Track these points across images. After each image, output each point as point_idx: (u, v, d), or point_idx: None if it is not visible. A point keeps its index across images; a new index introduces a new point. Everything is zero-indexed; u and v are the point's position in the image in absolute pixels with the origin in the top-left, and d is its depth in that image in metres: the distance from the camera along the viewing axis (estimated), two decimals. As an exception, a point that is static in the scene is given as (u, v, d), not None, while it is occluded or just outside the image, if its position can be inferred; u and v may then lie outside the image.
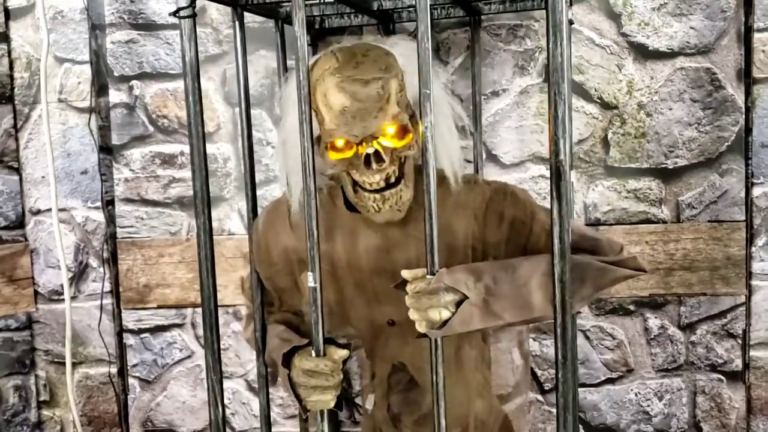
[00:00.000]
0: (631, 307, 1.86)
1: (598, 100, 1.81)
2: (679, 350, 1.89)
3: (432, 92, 1.03)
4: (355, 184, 1.19)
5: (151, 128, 1.87)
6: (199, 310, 1.84)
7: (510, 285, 1.13)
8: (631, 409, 1.90)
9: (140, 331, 1.92)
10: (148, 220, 1.88)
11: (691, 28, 1.80)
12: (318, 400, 1.15)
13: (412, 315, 1.10)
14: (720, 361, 1.86)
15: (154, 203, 1.88)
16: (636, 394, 1.89)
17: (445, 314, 1.09)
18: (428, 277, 1.08)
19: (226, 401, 1.92)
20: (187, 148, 1.85)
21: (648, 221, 1.84)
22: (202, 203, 1.25)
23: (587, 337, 1.88)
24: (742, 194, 1.82)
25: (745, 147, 1.82)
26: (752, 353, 1.87)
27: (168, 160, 1.86)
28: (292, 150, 1.21)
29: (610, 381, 1.89)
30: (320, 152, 1.18)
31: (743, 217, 1.83)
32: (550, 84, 1.01)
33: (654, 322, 1.87)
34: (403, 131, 1.16)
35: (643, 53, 1.80)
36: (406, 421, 1.39)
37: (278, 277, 1.35)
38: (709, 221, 1.84)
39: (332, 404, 1.15)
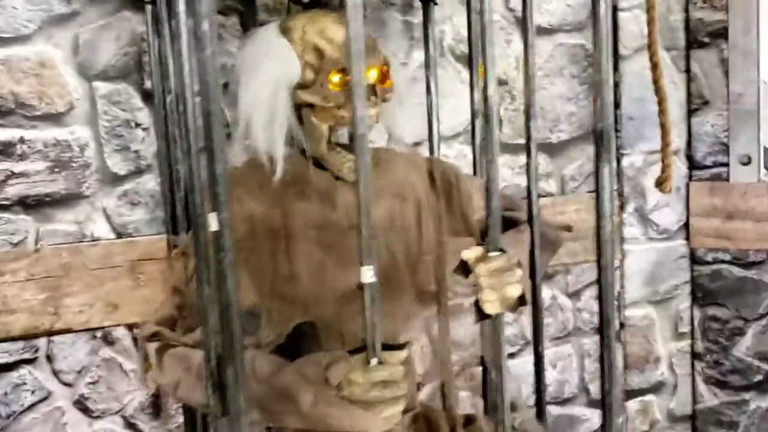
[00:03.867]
0: (524, 282, 1.88)
1: (491, 75, 1.79)
2: (567, 318, 1.96)
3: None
4: (329, 141, 1.21)
5: (-25, 109, 1.42)
6: (57, 339, 1.47)
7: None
8: (529, 381, 1.92)
9: (-28, 375, 1.46)
10: (-22, 230, 1.43)
11: (567, 5, 1.85)
12: (393, 414, 0.99)
13: (488, 296, 1.02)
14: (601, 323, 1.97)
15: (-14, 207, 1.44)
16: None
17: (519, 290, 1.04)
18: (493, 254, 1.01)
19: (97, 447, 1.55)
20: (29, 134, 1.44)
21: (538, 195, 1.87)
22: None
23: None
24: (614, 165, 1.94)
25: (614, 120, 1.93)
26: (626, 313, 2.01)
27: (2, 150, 1.43)
28: (268, 113, 1.14)
29: (511, 356, 1.90)
30: (314, 92, 1.15)
31: (615, 187, 1.95)
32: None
33: (546, 292, 1.91)
34: (384, 77, 1.20)
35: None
36: None
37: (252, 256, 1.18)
38: (588, 192, 1.93)
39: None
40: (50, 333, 1.48)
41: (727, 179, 1.96)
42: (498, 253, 1.01)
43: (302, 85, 1.17)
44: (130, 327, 1.54)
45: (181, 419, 1.60)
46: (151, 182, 1.53)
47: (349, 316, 1.20)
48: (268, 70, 1.13)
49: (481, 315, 1.07)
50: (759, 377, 2.01)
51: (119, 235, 1.52)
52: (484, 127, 0.99)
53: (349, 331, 1.22)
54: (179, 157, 1.41)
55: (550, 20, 1.83)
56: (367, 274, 0.93)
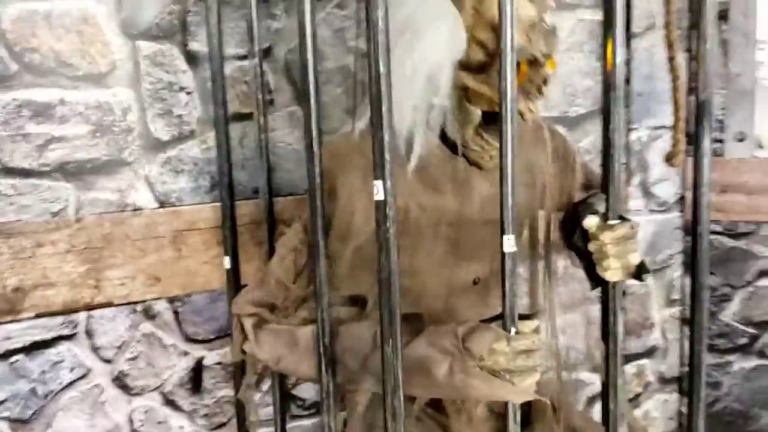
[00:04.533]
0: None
1: (518, 48, 1.81)
2: (575, 288, 2.03)
3: None
4: (479, 126, 1.07)
5: (14, 66, 1.30)
6: (96, 313, 1.40)
7: None
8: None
9: (8, 353, 1.36)
10: (17, 197, 1.33)
11: (588, -19, 1.89)
12: (532, 383, 0.98)
13: (612, 263, 1.05)
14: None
15: (25, 173, 1.33)
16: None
17: (639, 258, 1.07)
18: (615, 222, 1.04)
19: (137, 423, 1.49)
20: (70, 95, 1.34)
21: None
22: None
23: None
24: (623, 139, 2.01)
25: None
26: (627, 281, 2.10)
27: (42, 112, 1.33)
28: (424, 92, 1.01)
29: (527, 325, 1.95)
30: (483, 79, 1.02)
31: (624, 160, 2.02)
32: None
33: (561, 263, 1.97)
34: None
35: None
36: None
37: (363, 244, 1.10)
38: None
39: None
40: (90, 307, 1.40)
41: (722, 155, 2.08)
42: (619, 221, 1.04)
43: (466, 66, 1.04)
44: (171, 300, 1.48)
45: (220, 393, 1.56)
46: (194, 149, 1.47)
47: (459, 309, 1.18)
48: (437, 41, 0.99)
49: (598, 282, 1.09)
50: (744, 340, 2.16)
51: (162, 204, 1.45)
52: (609, 98, 1.01)
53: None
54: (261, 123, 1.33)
55: (572, -4, 1.87)
56: (509, 243, 0.94)
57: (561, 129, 1.87)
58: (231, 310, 1.22)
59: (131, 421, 1.48)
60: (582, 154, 1.95)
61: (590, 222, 1.06)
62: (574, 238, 1.12)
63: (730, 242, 2.12)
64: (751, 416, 2.18)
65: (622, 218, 1.05)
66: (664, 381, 2.25)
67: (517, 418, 0.99)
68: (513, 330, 0.96)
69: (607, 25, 1.04)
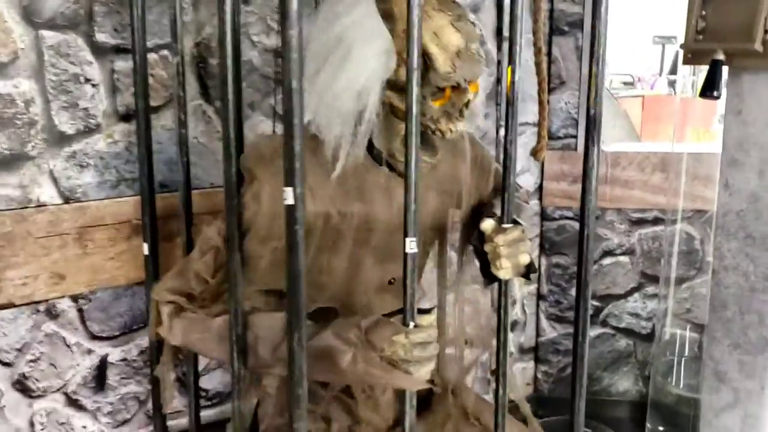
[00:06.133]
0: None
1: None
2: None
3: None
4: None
5: None
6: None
7: None
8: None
9: None
10: None
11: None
12: (427, 372, 1.07)
13: (504, 263, 1.12)
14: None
15: None
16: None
17: (528, 258, 1.15)
18: (508, 225, 1.12)
19: (38, 427, 1.44)
20: (-33, 86, 1.25)
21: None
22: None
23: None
24: (493, 135, 2.19)
25: (496, 96, 2.18)
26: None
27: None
28: (354, 108, 1.06)
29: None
30: (404, 99, 1.04)
31: (492, 153, 2.21)
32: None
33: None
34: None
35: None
36: None
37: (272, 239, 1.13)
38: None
39: None
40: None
41: (575, 149, 2.34)
42: (512, 225, 1.13)
43: (394, 86, 1.08)
44: (76, 298, 1.44)
45: (124, 390, 1.54)
46: (100, 143, 1.43)
47: (374, 305, 1.25)
48: (367, 60, 1.04)
49: (491, 279, 1.20)
50: (590, 312, 2.45)
51: (67, 200, 1.40)
52: (506, 108, 1.10)
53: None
54: (179, 118, 1.33)
55: None
56: (411, 245, 1.02)
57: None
58: (150, 295, 1.22)
59: (32, 425, 1.43)
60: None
61: (486, 225, 1.14)
62: (472, 239, 1.21)
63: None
64: (596, 378, 2.50)
65: (515, 222, 1.14)
66: (522, 351, 2.50)
67: (413, 403, 1.07)
68: (412, 324, 1.03)
69: (510, 47, 1.10)
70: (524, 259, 1.14)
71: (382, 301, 1.28)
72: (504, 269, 1.14)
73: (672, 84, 5.23)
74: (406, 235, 1.03)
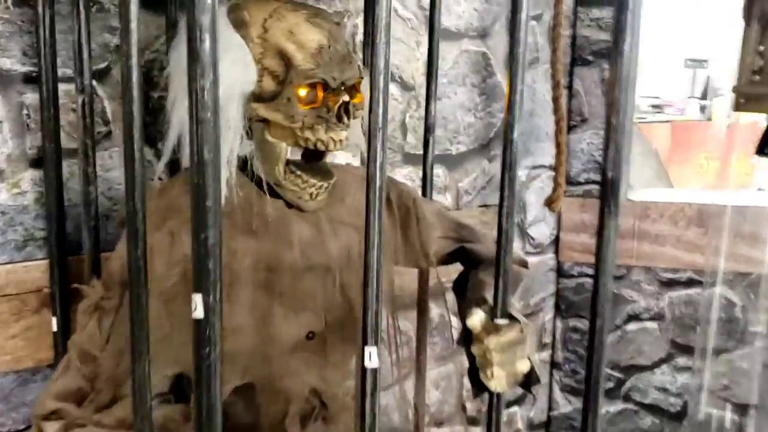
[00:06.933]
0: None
1: (399, 80, 1.62)
2: (452, 335, 1.89)
3: None
4: (287, 164, 1.00)
5: None
6: None
7: None
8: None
9: None
10: None
11: (474, 9, 1.75)
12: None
13: (497, 372, 0.90)
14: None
15: None
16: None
17: (528, 365, 0.93)
18: (501, 321, 0.87)
19: None
20: None
21: (434, 210, 1.77)
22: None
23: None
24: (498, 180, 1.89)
25: (504, 138, 1.87)
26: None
27: None
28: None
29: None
30: (276, 107, 0.96)
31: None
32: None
33: (435, 312, 1.82)
34: (356, 90, 1.02)
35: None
36: None
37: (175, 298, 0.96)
38: (479, 206, 1.86)
39: None
40: None
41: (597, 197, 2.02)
42: (506, 321, 0.88)
43: (259, 97, 0.98)
44: (-35, 388, 1.16)
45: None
46: (2, 194, 1.14)
47: (294, 371, 1.05)
48: (222, 73, 0.88)
49: (480, 389, 0.94)
50: (610, 384, 2.13)
51: (-47, 266, 1.12)
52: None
53: (293, 389, 1.06)
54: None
55: (457, 24, 1.71)
56: (370, 356, 0.77)
57: (440, 169, 1.72)
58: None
59: None
60: (462, 195, 1.82)
61: (474, 321, 0.91)
62: (457, 340, 0.99)
63: (601, 285, 2.08)
64: (617, 463, 2.17)
65: (512, 317, 0.89)
66: (532, 427, 2.18)
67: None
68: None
69: (511, 83, 0.84)
70: (523, 367, 0.92)
71: (302, 363, 1.06)
72: (496, 379, 0.91)
73: (703, 109, 4.93)
74: (365, 342, 0.78)
